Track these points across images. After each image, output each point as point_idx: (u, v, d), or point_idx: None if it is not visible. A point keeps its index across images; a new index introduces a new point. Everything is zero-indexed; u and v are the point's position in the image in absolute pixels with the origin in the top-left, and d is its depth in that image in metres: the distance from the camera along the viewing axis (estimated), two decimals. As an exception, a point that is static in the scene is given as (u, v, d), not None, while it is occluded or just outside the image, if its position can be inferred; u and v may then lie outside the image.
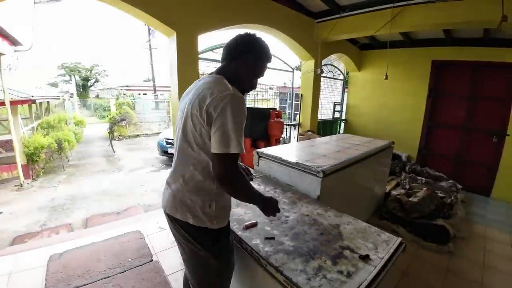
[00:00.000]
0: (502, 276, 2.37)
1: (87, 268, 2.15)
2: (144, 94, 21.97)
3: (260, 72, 1.24)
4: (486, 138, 4.46)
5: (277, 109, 4.82)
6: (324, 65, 5.18)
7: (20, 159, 5.08)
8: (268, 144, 4.34)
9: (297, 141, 4.79)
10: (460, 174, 4.74)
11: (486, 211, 3.87)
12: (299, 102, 5.30)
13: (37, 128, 7.59)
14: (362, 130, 6.02)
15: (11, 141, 5.02)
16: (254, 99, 5.80)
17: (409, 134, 5.32)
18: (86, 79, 27.09)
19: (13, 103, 5.34)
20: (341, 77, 6.57)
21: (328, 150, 2.64)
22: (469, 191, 4.49)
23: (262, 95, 5.88)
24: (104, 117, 16.58)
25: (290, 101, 5.81)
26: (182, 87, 2.88)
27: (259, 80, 1.33)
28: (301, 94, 5.16)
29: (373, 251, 1.30)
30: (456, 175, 4.73)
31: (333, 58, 5.65)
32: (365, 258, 1.24)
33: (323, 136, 4.05)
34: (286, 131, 5.48)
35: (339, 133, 6.53)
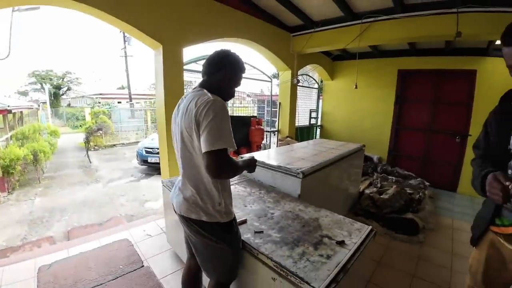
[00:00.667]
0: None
1: (78, 277, 2.16)
2: (119, 102, 21.45)
3: (237, 82, 1.42)
4: (450, 139, 4.88)
5: (257, 117, 5.04)
6: (300, 75, 5.50)
7: (-4, 172, 4.86)
8: (250, 150, 4.53)
9: (277, 146, 5.01)
10: (427, 173, 5.14)
11: (453, 205, 4.22)
12: (277, 110, 5.54)
13: (11, 139, 7.28)
14: (337, 135, 6.39)
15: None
16: (233, 107, 5.99)
17: (380, 137, 5.72)
18: (58, 87, 26.09)
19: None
20: (316, 86, 6.94)
21: (306, 153, 2.86)
22: (437, 188, 4.87)
23: (240, 102, 6.07)
24: (77, 126, 16.02)
25: (269, 109, 6.03)
26: (168, 97, 2.99)
27: (238, 89, 1.54)
28: (279, 103, 5.41)
29: (348, 238, 1.50)
30: (424, 173, 5.12)
31: (309, 69, 5.99)
32: (341, 243, 1.44)
33: (301, 142, 4.30)
34: (266, 138, 5.70)
35: (315, 138, 6.80)
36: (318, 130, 7.01)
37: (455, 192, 4.83)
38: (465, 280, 1.34)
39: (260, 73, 5.18)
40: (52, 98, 24.42)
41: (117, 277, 2.19)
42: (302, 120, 6.41)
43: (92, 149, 9.90)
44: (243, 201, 1.99)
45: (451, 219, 3.64)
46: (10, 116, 7.75)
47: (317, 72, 6.45)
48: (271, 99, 5.80)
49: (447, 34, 3.24)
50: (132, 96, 17.97)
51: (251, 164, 1.49)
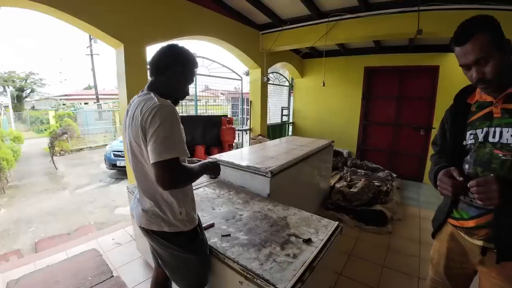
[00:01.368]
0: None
1: (46, 292, 2.03)
2: (86, 103, 20.36)
3: (190, 79, 1.30)
4: (415, 132, 5.17)
5: (228, 116, 5.00)
6: (270, 73, 5.53)
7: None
8: (222, 150, 4.48)
9: (249, 145, 5.00)
10: (395, 165, 5.41)
11: (419, 195, 4.45)
12: (249, 108, 5.54)
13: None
14: (308, 131, 6.52)
15: None
16: (206, 105, 5.89)
17: (349, 132, 5.92)
18: (21, 89, 24.24)
19: None
20: (287, 83, 7.01)
21: (276, 152, 2.87)
22: (404, 179, 5.13)
23: (214, 100, 5.98)
24: (42, 131, 15.05)
25: (242, 107, 6.01)
26: (131, 98, 2.87)
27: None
28: (251, 101, 5.41)
29: (315, 235, 1.52)
30: (392, 165, 5.38)
31: (279, 66, 6.04)
32: (308, 241, 1.46)
33: (273, 139, 4.33)
34: (239, 136, 5.67)
35: (287, 135, 6.89)
36: (290, 127, 7.10)
37: (421, 182, 5.09)
38: (428, 271, 1.37)
39: (231, 71, 5.14)
40: (15, 101, 22.76)
41: (85, 290, 2.09)
42: (274, 117, 6.45)
43: (57, 154, 9.31)
44: (212, 204, 1.95)
45: (418, 208, 3.82)
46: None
47: (287, 70, 6.53)
48: (242, 97, 5.77)
49: (409, 32, 3.40)
50: (100, 97, 17.24)
51: (211, 169, 1.36)
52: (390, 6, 3.43)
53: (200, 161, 1.42)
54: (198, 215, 1.38)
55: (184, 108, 5.07)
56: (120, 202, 4.79)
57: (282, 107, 6.75)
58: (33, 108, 25.34)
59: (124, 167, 6.20)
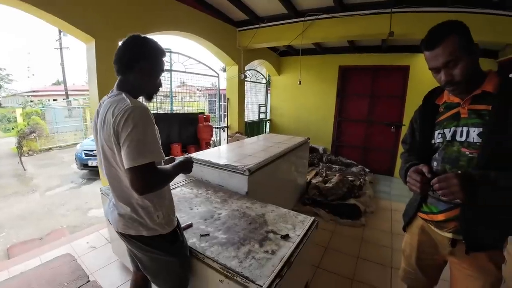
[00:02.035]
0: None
1: (19, 300, 1.92)
2: (54, 100, 19.19)
3: (159, 70, 1.23)
4: (386, 128, 5.42)
5: (205, 113, 4.94)
6: (247, 70, 5.52)
7: None
8: (199, 148, 4.44)
9: (227, 143, 4.99)
10: (368, 160, 5.65)
11: (391, 188, 4.67)
12: (226, 105, 5.51)
13: None
14: (285, 128, 6.61)
15: None
16: (182, 101, 5.76)
17: (324, 129, 6.08)
18: (-14, 86, 22.36)
19: None
20: (264, 81, 7.04)
21: (254, 149, 2.89)
22: (376, 173, 5.36)
23: (190, 97, 5.87)
24: (9, 129, 14.05)
25: (219, 103, 5.96)
26: (102, 96, 2.75)
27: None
28: (228, 98, 5.38)
29: (292, 231, 1.56)
30: (365, 160, 5.62)
31: (256, 64, 6.05)
32: (286, 237, 1.49)
33: (250, 137, 4.35)
34: (216, 134, 5.63)
35: (265, 132, 6.92)
36: (268, 124, 7.15)
37: (392, 176, 5.35)
38: (401, 263, 1.44)
39: (207, 68, 5.08)
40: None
41: (60, 296, 2.00)
42: (251, 115, 6.46)
43: (26, 155, 8.74)
44: (189, 203, 1.94)
45: (390, 201, 4.02)
46: None
47: (265, 67, 6.56)
48: (219, 93, 5.71)
49: (381, 33, 3.52)
50: (69, 92, 16.36)
51: (185, 166, 1.32)
52: (364, 7, 3.55)
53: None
54: (176, 216, 1.36)
55: (159, 105, 4.94)
56: (93, 204, 4.60)
57: (259, 104, 6.78)
58: (0, 105, 23.48)
59: (97, 167, 5.96)
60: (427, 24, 1.05)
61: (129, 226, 1.18)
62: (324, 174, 4.36)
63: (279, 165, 2.78)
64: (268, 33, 4.42)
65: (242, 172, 2.14)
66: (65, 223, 3.92)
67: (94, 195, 5.05)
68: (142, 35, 1.18)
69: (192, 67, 4.70)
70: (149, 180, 1.03)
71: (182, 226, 1.55)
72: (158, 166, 1.12)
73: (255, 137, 3.93)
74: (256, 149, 2.94)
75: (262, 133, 6.57)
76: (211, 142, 4.88)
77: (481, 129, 1.00)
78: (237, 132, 5.29)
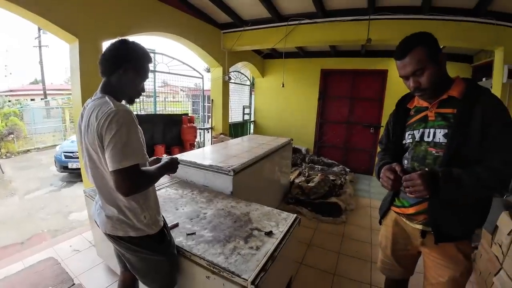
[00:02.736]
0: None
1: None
2: (32, 100, 18.34)
3: (143, 76, 1.24)
4: (366, 130, 5.66)
5: (189, 114, 4.94)
6: (232, 72, 5.57)
7: None
8: (183, 149, 4.43)
9: (211, 144, 5.01)
10: (348, 160, 5.86)
11: (370, 186, 4.86)
12: (211, 106, 5.51)
13: None
14: (270, 129, 6.71)
15: None
16: (165, 102, 5.69)
17: (306, 130, 6.23)
18: (-37, 86, 20.97)
19: None
20: (248, 82, 7.11)
21: (238, 150, 2.95)
22: (357, 173, 5.56)
23: (173, 97, 5.81)
24: (-13, 131, 13.27)
25: (203, 104, 5.95)
26: (86, 96, 2.73)
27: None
28: (212, 99, 5.39)
29: (275, 228, 1.64)
30: (346, 160, 5.83)
31: (240, 66, 6.11)
32: (269, 234, 1.56)
33: (235, 138, 4.39)
34: (200, 135, 5.62)
35: (249, 133, 6.98)
36: (252, 126, 7.21)
37: (371, 175, 5.55)
38: (379, 255, 1.53)
39: (191, 69, 5.08)
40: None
41: (44, 300, 1.97)
42: (235, 116, 6.49)
43: (3, 157, 8.37)
44: (175, 204, 1.97)
45: (369, 199, 4.20)
46: None
47: (249, 69, 6.63)
48: (203, 94, 5.71)
49: (360, 39, 3.68)
50: (48, 92, 15.65)
51: (170, 167, 1.35)
52: (345, 14, 3.70)
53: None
54: (163, 217, 1.39)
55: (142, 105, 4.87)
56: (74, 207, 4.49)
57: (243, 105, 6.83)
58: (-23, 106, 22.04)
59: (77, 169, 5.81)
60: (404, 31, 1.13)
61: (117, 227, 1.19)
62: (306, 174, 4.49)
63: (263, 166, 2.86)
64: (252, 36, 4.50)
65: (227, 172, 2.19)
66: (45, 227, 3.82)
67: (74, 198, 4.92)
68: (131, 40, 1.21)
69: (176, 68, 4.69)
70: (134, 182, 1.05)
71: (168, 226, 1.57)
72: (143, 168, 1.14)
73: (239, 138, 3.99)
74: (241, 150, 3.00)
75: (247, 134, 6.62)
76: (195, 143, 4.89)
77: (446, 131, 1.09)
78: (221, 133, 5.32)
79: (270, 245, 1.46)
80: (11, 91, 20.14)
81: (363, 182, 5.12)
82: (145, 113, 4.68)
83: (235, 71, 6.17)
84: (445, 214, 1.11)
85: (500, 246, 1.89)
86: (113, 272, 2.25)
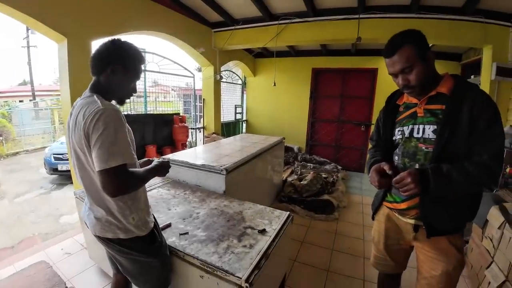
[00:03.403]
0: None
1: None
2: (21, 101, 17.93)
3: (135, 76, 1.22)
4: (357, 128, 5.72)
5: (181, 114, 4.90)
6: (223, 71, 5.55)
7: None
8: (175, 149, 4.40)
9: (203, 144, 4.99)
10: (340, 157, 5.92)
11: (362, 184, 4.92)
12: (202, 105, 5.49)
13: None
14: (262, 129, 6.71)
15: None
16: (156, 101, 5.64)
17: (298, 129, 6.27)
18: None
19: None
20: (240, 81, 7.10)
21: (231, 150, 2.95)
22: (348, 170, 5.62)
23: (164, 97, 5.76)
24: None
25: (194, 104, 5.93)
26: (75, 96, 2.68)
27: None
28: (204, 99, 5.37)
29: (269, 225, 1.64)
30: (337, 158, 5.90)
31: (232, 65, 6.09)
32: (263, 232, 1.57)
33: (227, 137, 4.39)
34: (192, 135, 5.59)
35: (241, 133, 6.97)
36: (244, 125, 7.20)
37: (362, 173, 5.62)
38: (371, 250, 1.56)
39: (183, 68, 5.04)
40: None
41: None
42: (227, 115, 6.48)
43: None
44: (167, 204, 1.95)
45: (361, 196, 4.25)
46: None
47: (240, 68, 6.62)
48: (195, 93, 5.68)
49: (351, 38, 3.71)
50: (36, 93, 15.32)
51: (160, 169, 1.32)
52: (335, 13, 3.73)
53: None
54: (154, 217, 1.38)
55: (132, 105, 4.81)
56: (65, 210, 4.41)
57: (235, 105, 6.82)
58: (-38, 108, 21.42)
59: (67, 171, 5.71)
60: (393, 29, 1.15)
61: (106, 229, 1.18)
62: (299, 172, 4.52)
63: (255, 164, 2.86)
64: (243, 35, 4.49)
65: (219, 171, 2.19)
66: (36, 230, 3.75)
67: (65, 200, 4.84)
68: (123, 40, 1.18)
69: (167, 67, 4.65)
70: (121, 183, 1.03)
71: (160, 226, 1.56)
72: (131, 169, 1.12)
73: (231, 138, 3.99)
74: (233, 149, 3.00)
75: (239, 134, 6.61)
76: (187, 143, 4.86)
77: (435, 127, 1.11)
78: (213, 133, 5.30)
79: (263, 243, 1.46)
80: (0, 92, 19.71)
81: (355, 180, 5.18)
82: (135, 113, 4.62)
83: (226, 70, 6.15)
84: (436, 209, 1.14)
85: (491, 239, 1.93)
86: (105, 275, 2.23)
